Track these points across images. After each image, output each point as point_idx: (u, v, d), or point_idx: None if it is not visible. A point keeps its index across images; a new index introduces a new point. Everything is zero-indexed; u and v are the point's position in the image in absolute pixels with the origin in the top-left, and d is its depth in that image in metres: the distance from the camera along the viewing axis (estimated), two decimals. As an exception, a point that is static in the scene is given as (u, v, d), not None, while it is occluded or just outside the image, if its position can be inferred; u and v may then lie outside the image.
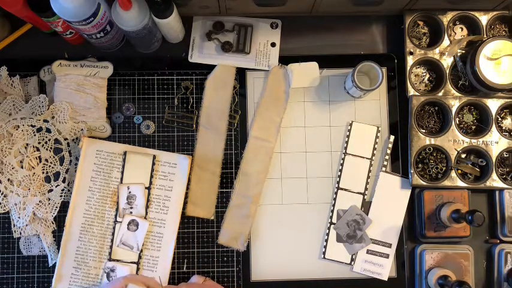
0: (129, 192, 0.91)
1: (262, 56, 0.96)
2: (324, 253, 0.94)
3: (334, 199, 0.94)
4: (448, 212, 0.88)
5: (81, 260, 0.90)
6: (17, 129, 0.91)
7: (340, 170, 0.95)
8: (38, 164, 0.91)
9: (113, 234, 0.91)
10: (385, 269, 0.93)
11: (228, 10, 0.94)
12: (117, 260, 0.90)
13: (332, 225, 0.94)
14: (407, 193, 0.94)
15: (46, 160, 0.92)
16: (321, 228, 0.94)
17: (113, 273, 0.90)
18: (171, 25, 0.88)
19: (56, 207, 0.91)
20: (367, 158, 0.95)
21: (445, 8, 0.95)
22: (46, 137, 0.91)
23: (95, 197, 0.91)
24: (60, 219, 0.92)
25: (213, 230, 0.94)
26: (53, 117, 0.92)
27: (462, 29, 0.97)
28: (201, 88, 0.96)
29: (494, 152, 0.93)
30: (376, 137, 0.96)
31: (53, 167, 0.92)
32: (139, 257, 0.91)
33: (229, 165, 0.95)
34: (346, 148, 0.95)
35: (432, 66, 0.96)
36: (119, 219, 0.91)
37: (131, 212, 0.91)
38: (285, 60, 0.96)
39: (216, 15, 0.96)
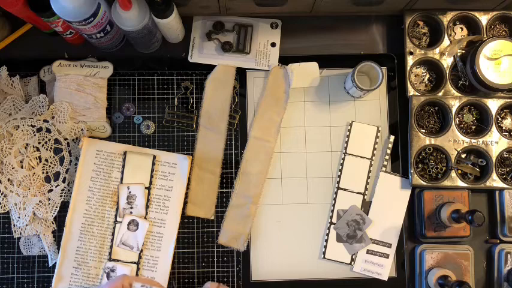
0: (129, 192, 0.91)
1: (262, 56, 0.96)
2: (324, 253, 0.94)
3: (334, 199, 0.94)
4: (448, 212, 0.88)
5: (81, 260, 0.90)
6: (17, 129, 0.91)
7: (340, 170, 0.95)
8: (38, 164, 0.91)
9: (113, 234, 0.91)
10: (385, 269, 0.93)
11: (228, 10, 0.94)
12: (117, 260, 0.90)
13: (332, 225, 0.94)
14: (407, 193, 0.94)
15: (46, 160, 0.91)
16: (321, 228, 0.94)
17: (113, 273, 0.90)
18: (171, 25, 0.88)
19: (56, 207, 0.91)
20: (367, 158, 0.95)
21: (445, 8, 0.95)
22: (46, 137, 0.91)
23: (95, 197, 0.91)
24: (60, 219, 0.92)
25: (213, 230, 0.94)
26: (53, 117, 0.92)
27: (462, 29, 0.97)
28: (201, 88, 0.96)
29: (494, 152, 0.93)
30: (376, 137, 0.96)
31: (53, 167, 0.92)
32: (139, 257, 0.91)
33: (229, 165, 0.95)
34: (346, 148, 0.95)
35: (432, 66, 0.96)
36: (119, 219, 0.91)
37: (131, 212, 0.91)
38: (285, 60, 0.96)
39: (216, 15, 0.96)
